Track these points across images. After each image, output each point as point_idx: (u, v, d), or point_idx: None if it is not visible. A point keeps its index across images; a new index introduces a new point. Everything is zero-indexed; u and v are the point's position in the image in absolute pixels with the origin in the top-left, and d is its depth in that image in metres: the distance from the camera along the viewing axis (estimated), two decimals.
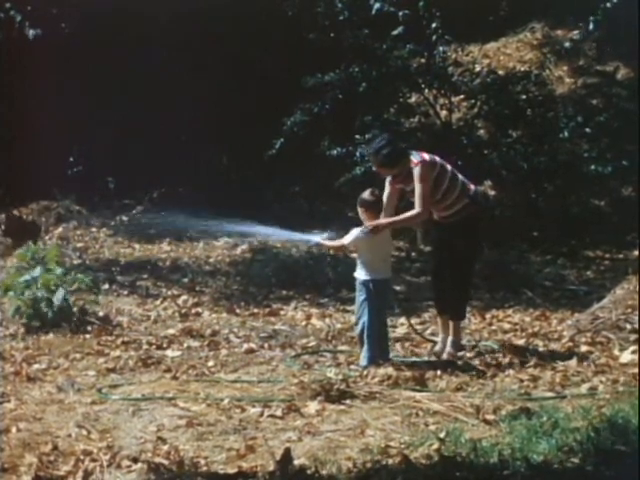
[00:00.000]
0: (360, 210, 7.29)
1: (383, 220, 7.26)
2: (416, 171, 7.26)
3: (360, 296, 7.23)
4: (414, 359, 7.45)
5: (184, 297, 9.76)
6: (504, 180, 12.33)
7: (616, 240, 11.92)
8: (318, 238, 7.51)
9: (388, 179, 7.50)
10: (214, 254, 11.84)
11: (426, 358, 7.50)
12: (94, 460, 5.19)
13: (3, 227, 11.69)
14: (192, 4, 13.28)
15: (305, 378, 6.57)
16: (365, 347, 7.16)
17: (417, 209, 7.27)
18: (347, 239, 7.25)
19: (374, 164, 7.60)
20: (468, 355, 7.47)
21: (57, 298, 8.22)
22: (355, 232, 7.23)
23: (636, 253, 11.05)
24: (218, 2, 13.41)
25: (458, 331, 7.63)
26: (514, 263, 11.15)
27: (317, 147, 12.26)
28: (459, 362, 7.28)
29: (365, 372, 6.84)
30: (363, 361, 7.14)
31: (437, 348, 7.64)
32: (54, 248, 8.99)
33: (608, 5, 10.90)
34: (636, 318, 7.74)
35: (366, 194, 7.33)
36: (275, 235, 7.53)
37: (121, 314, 8.98)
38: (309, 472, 4.96)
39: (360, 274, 7.25)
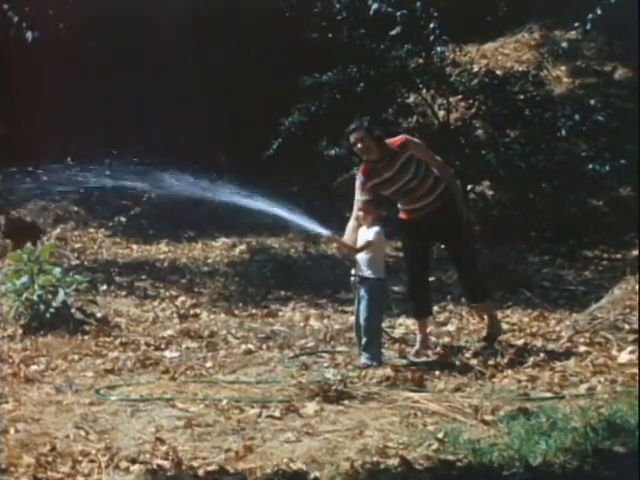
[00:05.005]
0: (362, 214, 7.17)
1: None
2: (410, 142, 7.40)
3: (366, 295, 7.14)
4: (412, 359, 7.44)
5: (182, 298, 9.75)
6: (502, 180, 12.31)
7: (614, 240, 11.91)
8: (329, 233, 7.41)
9: (359, 181, 7.31)
10: (212, 255, 11.83)
11: (424, 359, 7.49)
12: (92, 461, 5.19)
13: (3, 228, 11.62)
14: (192, 4, 13.28)
15: (303, 379, 6.58)
16: (375, 344, 7.13)
17: (442, 165, 7.57)
18: (362, 244, 7.14)
19: (363, 140, 7.22)
20: (466, 355, 7.46)
21: (56, 299, 8.22)
22: (369, 236, 7.13)
23: (634, 253, 11.04)
24: (218, 2, 13.42)
25: (494, 317, 7.78)
26: (512, 263, 11.14)
27: (315, 147, 12.25)
28: (457, 362, 7.26)
29: (363, 372, 6.84)
30: (373, 360, 7.08)
31: (416, 348, 7.54)
32: (48, 247, 8.95)
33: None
34: (634, 318, 7.73)
35: (363, 197, 7.26)
36: (290, 219, 7.48)
37: (119, 315, 8.97)
38: (308, 473, 4.96)
39: (371, 273, 7.15)
